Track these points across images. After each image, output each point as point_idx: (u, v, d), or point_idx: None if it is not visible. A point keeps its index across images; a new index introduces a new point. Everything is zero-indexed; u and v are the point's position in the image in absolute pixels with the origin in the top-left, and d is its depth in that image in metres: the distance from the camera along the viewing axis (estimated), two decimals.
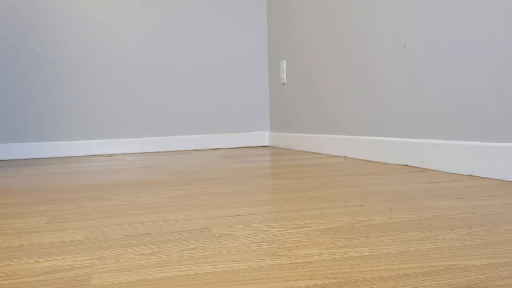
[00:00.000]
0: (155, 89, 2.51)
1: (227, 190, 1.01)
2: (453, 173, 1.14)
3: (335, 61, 1.79)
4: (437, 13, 1.20)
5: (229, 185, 1.09)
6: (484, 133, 1.06)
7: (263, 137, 2.66)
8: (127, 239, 0.61)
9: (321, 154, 1.90)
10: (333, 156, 1.78)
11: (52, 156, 2.39)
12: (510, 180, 0.98)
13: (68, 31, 2.40)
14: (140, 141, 2.50)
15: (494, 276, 0.43)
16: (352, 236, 0.59)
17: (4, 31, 2.35)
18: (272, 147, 2.54)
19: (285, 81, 2.35)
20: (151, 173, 1.41)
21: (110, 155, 2.37)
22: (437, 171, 1.19)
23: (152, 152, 2.47)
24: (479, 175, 1.07)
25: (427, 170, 1.22)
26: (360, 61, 1.60)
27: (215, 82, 2.58)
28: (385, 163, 1.42)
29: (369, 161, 1.52)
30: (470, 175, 1.09)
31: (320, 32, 1.91)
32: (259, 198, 0.89)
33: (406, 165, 1.34)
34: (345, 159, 1.62)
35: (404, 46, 1.34)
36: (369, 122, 1.56)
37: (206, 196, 0.93)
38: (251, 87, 2.63)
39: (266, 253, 0.52)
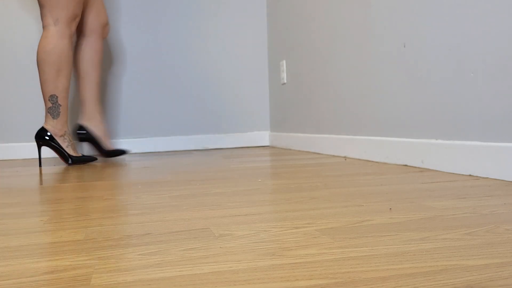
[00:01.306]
0: (154, 89, 2.51)
1: (227, 190, 1.01)
2: (453, 173, 1.14)
3: (335, 61, 1.79)
4: (437, 13, 1.20)
5: (229, 185, 1.09)
6: (484, 133, 1.06)
7: (263, 137, 2.66)
8: (127, 239, 0.61)
9: (321, 154, 1.90)
10: (333, 156, 1.78)
11: (52, 156, 2.39)
12: (510, 180, 0.98)
13: None
14: (140, 141, 2.50)
15: (494, 276, 0.43)
16: (352, 236, 0.59)
17: (4, 31, 2.35)
18: (272, 147, 2.54)
19: (285, 81, 2.35)
20: (151, 173, 1.41)
21: None
22: (437, 171, 1.19)
23: (152, 152, 2.47)
24: (479, 175, 1.07)
25: (427, 170, 1.22)
26: (360, 61, 1.60)
27: (215, 82, 2.58)
28: (385, 163, 1.42)
29: (369, 161, 1.52)
30: (470, 175, 1.09)
31: (320, 32, 1.91)
32: (259, 198, 0.89)
33: (406, 165, 1.34)
34: (345, 159, 1.62)
35: (404, 46, 1.35)
36: (369, 122, 1.56)
37: (206, 196, 0.93)
38: (251, 87, 2.63)
39: (266, 253, 0.52)
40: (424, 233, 0.59)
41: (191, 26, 2.54)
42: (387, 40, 1.43)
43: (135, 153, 2.45)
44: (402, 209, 0.74)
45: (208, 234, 0.62)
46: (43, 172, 1.59)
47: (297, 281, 0.43)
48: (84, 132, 1.90)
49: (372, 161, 1.50)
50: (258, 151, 2.23)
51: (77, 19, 1.75)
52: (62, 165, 1.86)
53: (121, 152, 1.96)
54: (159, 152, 2.47)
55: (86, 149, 2.43)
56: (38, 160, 2.21)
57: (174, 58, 2.53)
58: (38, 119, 2.39)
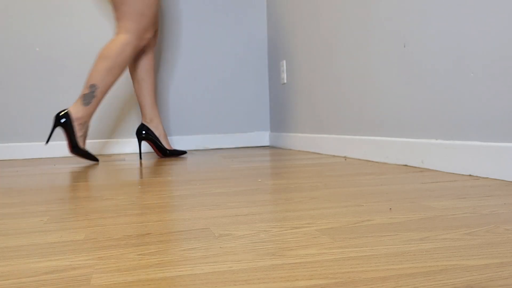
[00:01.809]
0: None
1: (227, 190, 1.01)
2: (453, 173, 1.14)
3: (335, 61, 1.79)
4: (437, 13, 1.20)
5: (229, 185, 1.09)
6: (484, 133, 1.06)
7: (263, 137, 2.66)
8: (127, 239, 0.61)
9: (321, 154, 1.90)
10: (333, 156, 1.78)
11: (52, 156, 2.39)
12: (510, 180, 0.98)
13: (67, 31, 2.40)
14: None
15: (494, 276, 0.43)
16: (352, 236, 0.59)
17: (4, 31, 2.35)
18: (272, 147, 2.54)
19: (285, 81, 2.35)
20: (151, 173, 1.41)
21: (110, 155, 2.37)
22: (437, 171, 1.19)
23: (152, 152, 2.47)
24: (479, 175, 1.07)
25: (427, 170, 1.22)
26: (360, 61, 1.60)
27: (215, 82, 2.58)
28: (385, 163, 1.42)
29: (369, 161, 1.52)
30: (470, 175, 1.09)
31: (320, 32, 1.91)
32: (259, 198, 0.89)
33: (406, 165, 1.34)
34: (345, 159, 1.62)
35: (404, 46, 1.34)
36: (369, 122, 1.56)
37: (206, 196, 0.93)
38: (251, 87, 2.64)
39: (266, 253, 0.52)
40: (424, 233, 0.59)
41: (191, 26, 2.54)
42: (387, 40, 1.43)
43: (135, 153, 2.45)
44: (402, 209, 0.74)
45: (208, 234, 0.62)
46: (43, 172, 1.59)
47: (297, 281, 0.43)
48: (145, 132, 2.01)
49: (372, 161, 1.50)
50: (258, 151, 2.23)
51: (148, 33, 1.88)
52: (63, 165, 1.86)
53: (181, 153, 2.07)
54: None
55: (89, 149, 2.43)
56: (39, 159, 2.21)
57: (173, 58, 2.53)
58: (38, 119, 2.39)
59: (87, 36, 2.43)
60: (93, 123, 2.45)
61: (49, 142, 2.40)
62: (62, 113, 1.78)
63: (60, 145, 2.41)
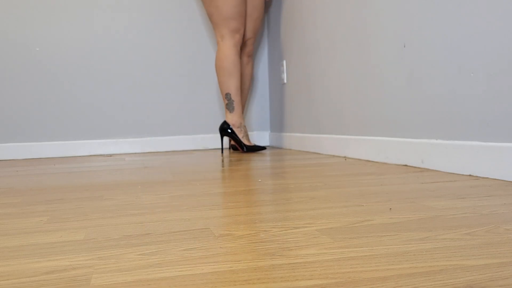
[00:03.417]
0: (154, 89, 2.51)
1: (227, 190, 1.01)
2: (453, 173, 1.14)
3: (335, 61, 1.79)
4: (437, 13, 1.20)
5: (229, 185, 1.09)
6: (484, 133, 1.06)
7: (263, 137, 2.66)
8: (127, 239, 0.61)
9: (321, 154, 1.90)
10: (333, 156, 1.78)
11: (52, 156, 2.39)
12: (510, 180, 0.98)
13: (67, 31, 2.40)
14: (140, 141, 2.50)
15: (494, 276, 0.43)
16: (352, 236, 0.59)
17: (4, 31, 2.35)
18: (272, 147, 2.54)
19: (285, 81, 2.35)
20: (151, 173, 1.41)
21: (110, 155, 2.37)
22: (437, 171, 1.19)
23: (152, 152, 2.47)
24: (479, 175, 1.07)
25: (427, 170, 1.22)
26: (360, 61, 1.60)
27: (215, 82, 2.58)
28: (385, 163, 1.42)
29: (369, 161, 1.52)
30: (470, 175, 1.09)
31: (320, 32, 1.91)
32: (259, 198, 0.89)
33: (406, 165, 1.34)
34: (345, 159, 1.62)
35: (404, 46, 1.34)
36: (369, 122, 1.56)
37: (206, 196, 0.93)
38: (251, 87, 2.63)
39: (266, 253, 0.52)
40: (424, 233, 0.59)
41: (191, 26, 2.54)
42: (387, 40, 1.43)
43: (135, 153, 2.45)
44: (402, 209, 0.74)
45: (208, 234, 0.62)
46: (43, 172, 1.59)
47: (297, 281, 0.43)
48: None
49: (372, 161, 1.50)
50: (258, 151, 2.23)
51: (240, 32, 2.10)
52: (62, 165, 1.86)
53: (261, 148, 2.19)
54: (159, 152, 2.48)
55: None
56: (39, 159, 2.21)
57: (172, 57, 2.53)
58: (38, 119, 2.39)
59: (87, 36, 2.43)
60: (94, 124, 2.45)
61: (49, 142, 2.40)
62: (223, 126, 2.09)
63: (60, 145, 2.41)
